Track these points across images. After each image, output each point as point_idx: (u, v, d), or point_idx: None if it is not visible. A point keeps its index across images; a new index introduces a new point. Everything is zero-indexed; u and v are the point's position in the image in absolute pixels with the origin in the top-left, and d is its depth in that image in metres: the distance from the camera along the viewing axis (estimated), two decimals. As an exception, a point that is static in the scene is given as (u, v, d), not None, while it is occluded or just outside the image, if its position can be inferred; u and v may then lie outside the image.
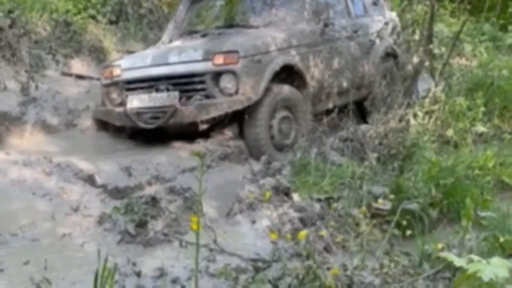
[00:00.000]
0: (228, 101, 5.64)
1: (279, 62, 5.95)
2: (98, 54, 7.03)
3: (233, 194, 4.53)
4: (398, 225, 3.85)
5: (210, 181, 4.97)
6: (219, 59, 5.65)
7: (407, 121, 6.11)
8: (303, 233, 3.24)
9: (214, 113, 5.63)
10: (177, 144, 5.85)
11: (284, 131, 5.95)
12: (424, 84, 7.25)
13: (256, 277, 2.67)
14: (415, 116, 6.17)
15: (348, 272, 3.05)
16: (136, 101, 5.85)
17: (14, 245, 3.43)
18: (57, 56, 6.57)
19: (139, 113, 5.78)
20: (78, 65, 6.69)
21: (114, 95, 6.11)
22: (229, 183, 5.01)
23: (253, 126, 5.74)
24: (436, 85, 6.49)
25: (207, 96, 5.68)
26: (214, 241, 3.01)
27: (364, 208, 3.89)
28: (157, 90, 5.79)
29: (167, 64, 5.88)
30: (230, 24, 6.83)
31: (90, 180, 4.53)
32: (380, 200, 4.21)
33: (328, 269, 2.78)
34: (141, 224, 3.67)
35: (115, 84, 6.09)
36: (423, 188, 4.70)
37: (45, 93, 5.89)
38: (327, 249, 3.79)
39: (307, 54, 6.37)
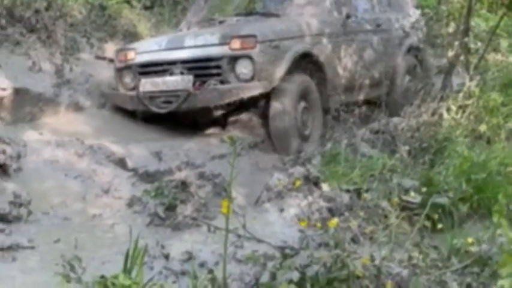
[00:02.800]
0: (243, 86, 5.50)
1: (298, 49, 5.79)
2: (132, 39, 7.06)
3: (262, 182, 4.56)
4: (427, 218, 3.82)
5: (239, 169, 4.95)
6: (236, 43, 5.52)
7: (440, 115, 6.06)
8: (334, 221, 3.23)
9: (229, 98, 5.49)
10: (208, 131, 5.87)
11: (305, 122, 5.79)
12: (459, 79, 7.18)
13: (283, 264, 2.67)
14: (448, 110, 6.11)
15: (376, 262, 3.04)
16: (149, 85, 5.74)
17: (45, 224, 3.48)
18: (92, 39, 6.62)
19: (152, 97, 5.68)
20: (111, 49, 6.73)
21: (128, 79, 6.00)
22: (259, 172, 5.03)
23: (280, 117, 5.55)
24: (471, 79, 6.41)
25: (222, 82, 5.57)
26: (244, 226, 3.01)
27: (395, 199, 3.87)
28: (171, 74, 5.68)
29: (182, 48, 5.78)
30: (249, 12, 6.65)
31: (121, 163, 4.57)
32: (410, 193, 4.17)
33: (357, 259, 2.76)
34: (171, 208, 3.70)
35: (129, 67, 5.98)
36: (454, 182, 4.66)
37: (78, 75, 5.94)
38: (354, 240, 3.78)
39: (327, 45, 6.19)
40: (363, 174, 4.82)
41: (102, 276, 2.27)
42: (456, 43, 6.95)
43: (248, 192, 4.53)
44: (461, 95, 6.28)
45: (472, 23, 7.76)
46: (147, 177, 4.43)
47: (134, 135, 5.56)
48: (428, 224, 3.84)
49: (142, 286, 2.29)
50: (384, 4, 7.36)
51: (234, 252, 3.36)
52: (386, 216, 4.20)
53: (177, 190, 3.85)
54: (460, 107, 6.17)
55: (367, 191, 4.42)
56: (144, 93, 5.70)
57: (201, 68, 5.64)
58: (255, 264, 2.76)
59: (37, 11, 6.27)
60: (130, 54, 5.99)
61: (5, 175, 3.90)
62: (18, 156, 4.13)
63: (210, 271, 2.75)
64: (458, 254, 3.54)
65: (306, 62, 5.94)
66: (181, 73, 5.62)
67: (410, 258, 3.07)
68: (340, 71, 6.30)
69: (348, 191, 4.46)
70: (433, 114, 5.96)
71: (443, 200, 4.36)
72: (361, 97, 6.57)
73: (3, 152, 4.05)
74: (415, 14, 7.70)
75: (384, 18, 7.15)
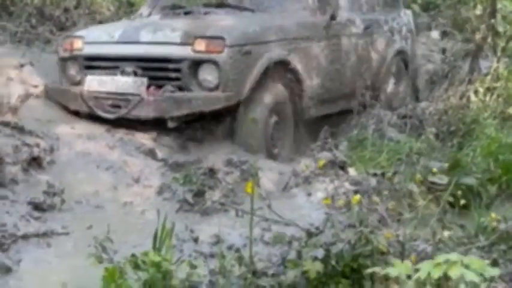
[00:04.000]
0: (205, 97, 4.76)
1: (272, 56, 5.05)
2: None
3: (290, 169, 4.63)
4: (455, 199, 3.84)
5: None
6: (201, 45, 4.80)
7: (468, 98, 6.05)
8: (357, 197, 3.28)
9: (186, 110, 4.73)
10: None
11: (275, 139, 5.08)
12: (487, 62, 7.13)
13: (309, 242, 2.72)
14: (476, 92, 6.10)
15: (400, 238, 3.08)
16: (95, 83, 4.96)
17: (79, 212, 3.60)
18: (120, 36, 6.73)
19: (98, 97, 4.92)
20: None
21: (72, 72, 5.23)
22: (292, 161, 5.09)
23: (247, 135, 4.88)
24: (498, 62, 6.38)
25: (182, 88, 4.83)
26: (269, 206, 3.07)
27: (419, 176, 3.90)
28: (122, 72, 4.93)
29: (138, 43, 5.01)
30: (221, 3, 5.82)
31: (151, 154, 4.66)
32: (436, 173, 4.19)
33: (380, 235, 2.81)
34: (199, 194, 3.79)
35: (74, 58, 5.23)
36: (482, 163, 4.67)
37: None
38: (381, 221, 3.82)
39: (307, 50, 5.46)
40: (390, 158, 4.86)
41: (133, 255, 2.36)
42: (483, 26, 6.91)
43: (277, 179, 4.60)
44: (489, 77, 6.26)
45: (499, 5, 7.69)
46: (177, 166, 4.50)
47: (162, 126, 5.66)
48: (455, 204, 3.89)
49: (172, 262, 2.36)
50: (372, 4, 6.66)
51: (262, 235, 3.44)
52: (413, 198, 4.25)
53: (205, 177, 3.93)
54: (488, 89, 6.16)
55: (394, 174, 4.46)
56: (89, 92, 4.95)
57: (158, 70, 4.91)
58: (281, 243, 2.82)
59: (66, 10, 6.44)
60: (77, 43, 5.24)
61: (39, 168, 4.02)
62: (51, 150, 4.24)
63: (237, 250, 2.82)
64: (485, 232, 3.57)
65: (280, 70, 5.23)
66: (135, 73, 4.89)
67: (434, 234, 3.10)
68: (320, 81, 5.59)
69: (375, 174, 4.51)
70: (460, 97, 5.97)
71: (470, 180, 4.38)
72: (343, 107, 5.93)
73: (37, 145, 4.17)
74: (406, 15, 7.14)
75: (372, 19, 6.46)
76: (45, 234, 3.10)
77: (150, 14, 5.89)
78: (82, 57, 5.17)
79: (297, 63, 5.28)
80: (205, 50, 4.78)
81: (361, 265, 2.67)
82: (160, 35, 4.95)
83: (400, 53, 6.78)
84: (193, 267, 2.35)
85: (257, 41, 5.00)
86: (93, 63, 5.13)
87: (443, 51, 7.37)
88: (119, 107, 4.84)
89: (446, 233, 3.36)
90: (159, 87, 4.81)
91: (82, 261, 2.70)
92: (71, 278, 2.64)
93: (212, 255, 3.14)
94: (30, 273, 2.79)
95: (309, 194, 4.11)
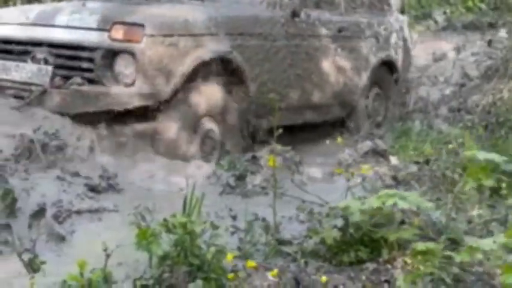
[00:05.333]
0: (117, 93, 4.20)
1: (207, 50, 4.43)
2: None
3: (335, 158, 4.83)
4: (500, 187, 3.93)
5: (314, 146, 5.32)
6: (118, 32, 4.24)
7: (519, 90, 6.07)
8: (367, 166, 3.46)
9: (94, 107, 4.21)
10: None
11: (207, 150, 4.57)
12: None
13: (330, 212, 2.93)
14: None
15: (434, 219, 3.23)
16: None
17: (130, 193, 3.92)
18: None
19: (0, 86, 4.55)
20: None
21: None
22: (333, 149, 5.29)
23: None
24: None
25: (92, 81, 4.30)
26: (292, 180, 3.29)
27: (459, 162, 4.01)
28: (32, 59, 4.47)
29: (52, 26, 4.51)
30: None
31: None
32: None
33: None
34: (241, 178, 4.06)
35: None
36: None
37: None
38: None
39: (258, 49, 4.80)
40: (434, 147, 4.98)
41: (165, 219, 2.64)
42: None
43: (322, 169, 4.81)
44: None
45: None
46: (225, 154, 4.78)
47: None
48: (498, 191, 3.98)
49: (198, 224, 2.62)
50: (353, 4, 5.98)
51: (297, 215, 3.67)
52: (453, 185, 4.36)
53: (248, 163, 4.19)
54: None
55: (435, 161, 4.59)
56: None
57: (70, 58, 4.40)
58: (303, 212, 3.04)
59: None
60: None
61: (99, 154, 4.38)
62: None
63: (263, 220, 3.06)
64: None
65: (221, 69, 4.68)
66: (45, 60, 4.41)
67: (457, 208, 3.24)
68: (273, 86, 4.93)
69: (417, 162, 4.65)
70: (510, 90, 5.99)
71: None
72: (306, 120, 5.42)
73: (100, 138, 4.54)
74: (398, 20, 6.49)
75: (350, 22, 5.77)
76: (97, 211, 3.43)
77: None
78: None
79: (242, 63, 4.69)
80: (123, 38, 4.23)
81: (379, 233, 2.86)
82: (76, 18, 4.43)
83: (386, 62, 6.14)
84: (215, 227, 2.60)
85: (187, 32, 4.40)
86: (4, 46, 4.70)
87: (489, 43, 7.29)
88: (22, 98, 4.39)
89: (475, 212, 3.51)
90: (67, 78, 4.34)
91: (127, 232, 3.00)
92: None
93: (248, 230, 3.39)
94: (82, 242, 3.12)
95: (348, 180, 4.29)
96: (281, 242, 2.97)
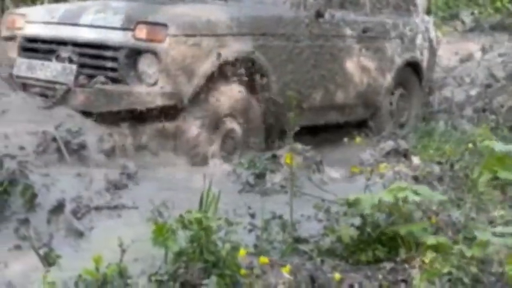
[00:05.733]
0: (139, 93, 4.22)
1: (229, 50, 4.44)
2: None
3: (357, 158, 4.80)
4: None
5: (336, 147, 5.30)
6: (142, 32, 4.24)
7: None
8: (384, 165, 3.43)
9: (117, 106, 4.23)
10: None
11: (228, 150, 4.58)
12: None
13: (348, 210, 2.91)
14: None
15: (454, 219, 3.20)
16: (25, 67, 4.60)
17: (151, 191, 3.91)
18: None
19: (25, 84, 4.57)
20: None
21: (13, 54, 4.82)
22: (355, 149, 5.25)
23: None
24: None
25: (116, 80, 4.33)
26: (308, 178, 3.28)
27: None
28: (57, 58, 4.51)
29: (77, 25, 4.53)
30: None
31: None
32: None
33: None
34: (260, 176, 4.05)
35: (14, 39, 4.87)
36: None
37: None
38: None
39: (281, 49, 4.81)
40: (457, 148, 4.92)
41: (181, 215, 2.64)
42: None
43: (343, 167, 4.78)
44: None
45: None
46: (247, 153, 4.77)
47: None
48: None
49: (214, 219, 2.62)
50: (379, 5, 5.92)
51: (316, 214, 3.65)
52: (476, 185, 4.31)
53: (267, 162, 4.18)
54: None
55: (457, 161, 4.53)
56: (18, 77, 4.59)
57: (94, 58, 4.43)
58: (320, 210, 3.02)
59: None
60: (19, 22, 4.84)
61: (121, 153, 4.40)
62: (134, 137, 4.61)
63: (280, 217, 3.05)
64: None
65: (243, 69, 4.64)
66: (70, 59, 4.45)
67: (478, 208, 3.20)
68: (296, 86, 4.95)
69: (439, 163, 4.60)
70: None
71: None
72: (328, 120, 5.43)
73: (123, 137, 4.57)
74: (424, 21, 6.46)
75: (375, 22, 5.74)
76: (116, 207, 3.44)
77: None
78: (21, 38, 4.79)
79: (264, 63, 4.69)
80: (146, 37, 4.24)
81: (396, 233, 2.83)
82: (101, 18, 4.45)
83: (411, 63, 6.09)
84: (230, 224, 2.60)
85: (209, 32, 4.40)
86: (32, 44, 4.74)
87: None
88: (46, 96, 4.44)
89: (496, 213, 3.46)
90: (91, 77, 4.37)
91: (145, 229, 3.01)
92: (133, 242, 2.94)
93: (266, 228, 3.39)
94: (100, 238, 3.13)
95: (368, 179, 4.26)
96: (298, 240, 2.96)
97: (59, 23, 4.63)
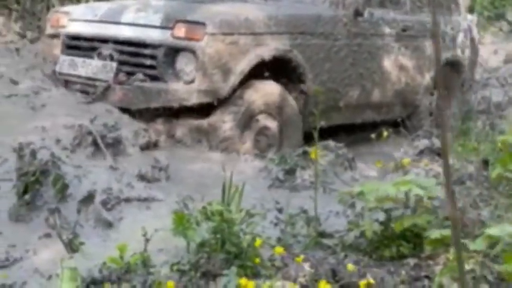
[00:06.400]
0: (177, 90, 4.28)
1: (267, 49, 4.48)
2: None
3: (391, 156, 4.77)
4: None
5: (372, 145, 5.26)
6: (180, 30, 4.31)
7: None
8: (407, 160, 3.40)
9: (156, 103, 4.32)
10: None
11: (260, 148, 4.58)
12: None
13: (372, 206, 2.89)
14: None
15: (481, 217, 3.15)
16: (67, 65, 4.72)
17: (181, 185, 3.98)
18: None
19: (67, 81, 4.70)
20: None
21: (57, 51, 4.96)
22: (390, 147, 5.21)
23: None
24: None
25: (155, 78, 4.42)
26: (335, 173, 3.27)
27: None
28: (99, 55, 4.63)
29: (118, 23, 4.63)
30: None
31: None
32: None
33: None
34: (290, 172, 4.05)
35: (58, 36, 4.99)
36: None
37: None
38: (472, 205, 3.87)
39: (319, 48, 4.83)
40: (494, 147, 4.83)
41: (204, 207, 2.67)
42: None
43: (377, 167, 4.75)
44: None
45: None
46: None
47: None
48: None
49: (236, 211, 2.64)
50: (419, 3, 5.87)
51: (345, 210, 3.64)
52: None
53: (298, 158, 4.19)
54: None
55: (494, 161, 4.46)
56: (60, 74, 4.72)
57: (134, 55, 4.52)
58: (344, 204, 3.01)
59: None
60: (63, 20, 4.97)
61: (155, 148, 4.47)
62: (169, 133, 4.68)
63: (304, 211, 3.06)
64: None
65: (281, 67, 4.70)
66: (111, 57, 4.55)
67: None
68: (333, 85, 5.01)
69: (474, 162, 4.53)
70: None
71: None
72: (366, 119, 5.43)
73: (157, 132, 4.64)
74: (465, 20, 6.36)
75: (415, 21, 5.70)
76: (145, 200, 3.50)
77: None
78: (65, 35, 4.90)
79: (301, 62, 4.71)
80: (185, 36, 4.30)
81: (422, 229, 2.81)
82: (141, 16, 4.54)
83: (452, 62, 6.02)
84: (251, 216, 2.62)
85: (247, 31, 4.44)
86: (74, 42, 4.85)
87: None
88: (87, 92, 4.56)
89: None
90: (130, 74, 4.46)
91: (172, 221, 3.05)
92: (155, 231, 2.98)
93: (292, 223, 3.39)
94: (128, 229, 3.19)
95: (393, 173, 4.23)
96: (322, 235, 2.95)
97: (100, 21, 4.73)
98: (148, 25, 4.48)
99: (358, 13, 5.10)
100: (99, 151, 4.12)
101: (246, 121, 4.56)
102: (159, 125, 4.63)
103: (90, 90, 4.53)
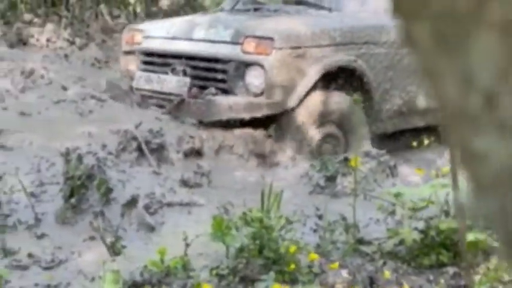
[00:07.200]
0: (248, 103, 4.48)
1: (332, 60, 4.62)
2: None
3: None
4: None
5: (415, 153, 5.23)
6: (250, 45, 4.52)
7: None
8: (447, 169, 3.36)
9: (227, 115, 4.49)
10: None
11: (327, 153, 4.64)
12: None
13: (412, 214, 2.89)
14: None
15: None
16: (143, 80, 4.94)
17: (223, 190, 4.03)
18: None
19: (144, 96, 4.93)
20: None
21: (132, 67, 5.19)
22: (434, 155, 5.16)
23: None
24: None
25: (226, 91, 4.63)
26: (375, 180, 3.27)
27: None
28: (173, 71, 4.83)
29: (190, 39, 4.85)
30: (299, 1, 5.43)
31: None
32: None
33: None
34: (331, 179, 4.06)
35: (134, 52, 5.21)
36: None
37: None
38: None
39: (382, 57, 4.94)
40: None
41: (244, 213, 2.72)
42: None
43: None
44: None
45: None
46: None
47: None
48: None
49: (276, 219, 2.67)
50: None
51: (385, 217, 3.63)
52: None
53: (340, 165, 4.19)
54: None
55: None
56: (137, 89, 4.96)
57: (205, 70, 4.75)
58: (383, 212, 3.01)
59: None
60: (137, 37, 5.21)
61: (199, 156, 4.53)
62: (212, 140, 4.73)
63: (344, 218, 3.06)
64: None
65: (345, 77, 4.85)
66: (184, 72, 4.77)
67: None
68: (398, 92, 5.10)
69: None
70: None
71: None
72: (427, 123, 5.32)
73: (201, 139, 4.70)
74: None
75: None
76: (187, 204, 3.56)
77: (232, 8, 5.67)
78: (140, 52, 5.14)
79: (366, 71, 4.84)
80: (254, 51, 4.52)
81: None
82: (212, 33, 4.75)
83: None
84: (290, 222, 2.64)
85: (314, 43, 4.61)
86: (149, 58, 5.08)
87: None
88: (162, 107, 4.77)
89: None
90: (203, 88, 4.67)
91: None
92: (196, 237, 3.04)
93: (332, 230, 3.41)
94: (169, 233, 3.25)
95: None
96: (361, 242, 2.96)
97: (173, 38, 4.98)
98: (219, 41, 4.71)
99: None
100: (143, 156, 4.21)
101: (312, 130, 4.69)
102: (203, 131, 4.70)
103: (165, 104, 4.76)
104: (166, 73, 4.86)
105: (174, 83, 4.77)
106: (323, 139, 4.72)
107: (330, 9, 5.21)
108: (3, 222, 3.20)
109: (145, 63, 5.13)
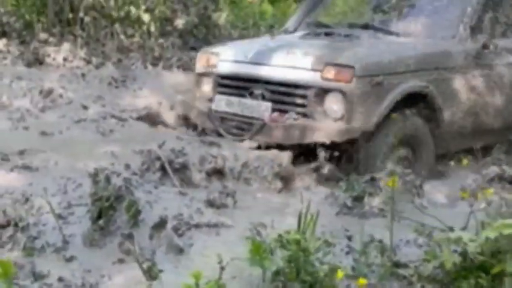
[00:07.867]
0: (329, 127, 4.66)
1: (407, 88, 4.86)
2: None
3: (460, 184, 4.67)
4: None
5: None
6: (330, 73, 4.72)
7: None
8: (490, 190, 3.32)
9: (308, 139, 4.68)
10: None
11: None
12: None
13: (450, 237, 2.83)
14: None
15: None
16: (223, 103, 5.11)
17: (249, 211, 3.98)
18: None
19: (224, 118, 5.09)
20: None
21: (207, 88, 5.38)
22: (458, 174, 5.11)
23: (366, 166, 4.72)
24: None
25: (305, 116, 4.81)
26: (412, 201, 3.22)
27: None
28: (251, 94, 5.01)
29: (269, 65, 5.03)
30: (365, 25, 5.66)
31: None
32: None
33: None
34: (358, 199, 4.01)
35: (209, 75, 5.39)
36: None
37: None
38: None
39: (451, 81, 5.16)
40: None
41: (280, 235, 2.67)
42: None
43: (444, 193, 4.67)
44: None
45: None
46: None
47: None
48: None
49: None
50: None
51: (416, 239, 3.57)
52: None
53: (366, 185, 4.14)
54: None
55: None
56: (217, 112, 5.12)
57: (285, 95, 4.93)
58: (420, 234, 2.95)
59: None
60: (213, 60, 5.39)
61: (221, 176, 4.48)
62: (235, 160, 4.69)
63: (380, 241, 3.01)
64: None
65: (417, 101, 5.04)
66: (263, 96, 4.96)
67: None
68: (464, 114, 5.32)
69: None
70: None
71: None
72: (491, 142, 5.46)
73: (223, 158, 4.66)
74: None
75: None
76: (215, 225, 3.50)
77: (295, 30, 5.92)
78: (216, 75, 5.31)
79: (436, 96, 5.04)
80: (334, 78, 4.70)
81: (501, 261, 2.73)
82: (291, 59, 4.94)
83: None
84: (328, 245, 2.59)
85: (391, 71, 4.83)
86: (226, 81, 5.24)
87: None
88: (242, 129, 4.96)
89: None
90: (283, 112, 4.84)
91: (243, 248, 3.05)
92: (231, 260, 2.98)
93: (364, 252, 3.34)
94: (198, 255, 3.20)
95: (471, 205, 4.13)
96: (397, 265, 2.90)
97: (251, 63, 5.14)
98: (299, 67, 4.89)
99: (485, 46, 5.38)
100: (166, 176, 4.17)
101: (387, 152, 4.84)
102: (225, 150, 4.68)
103: (245, 127, 4.95)
104: (244, 96, 5.06)
105: (254, 106, 4.96)
106: (397, 162, 4.83)
107: (397, 34, 5.43)
108: (31, 245, 3.16)
109: (222, 85, 5.28)
